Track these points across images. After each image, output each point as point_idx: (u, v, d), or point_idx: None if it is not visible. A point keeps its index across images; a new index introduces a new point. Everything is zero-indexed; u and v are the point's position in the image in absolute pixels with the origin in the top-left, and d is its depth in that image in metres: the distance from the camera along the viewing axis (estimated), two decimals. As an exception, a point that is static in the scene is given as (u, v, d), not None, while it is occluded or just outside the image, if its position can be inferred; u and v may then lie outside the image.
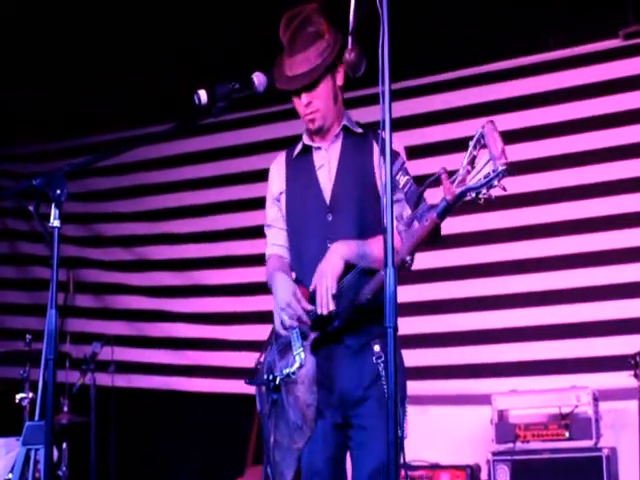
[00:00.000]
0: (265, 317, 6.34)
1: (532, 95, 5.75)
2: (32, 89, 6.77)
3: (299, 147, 3.28)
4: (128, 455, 6.28)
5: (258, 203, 6.57)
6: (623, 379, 4.85)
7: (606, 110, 5.52)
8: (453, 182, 2.46)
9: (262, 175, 6.55)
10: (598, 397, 5.13)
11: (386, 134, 2.36)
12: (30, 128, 7.39)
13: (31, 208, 2.70)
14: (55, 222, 2.56)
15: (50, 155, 7.48)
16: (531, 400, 5.28)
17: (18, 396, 5.30)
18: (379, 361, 3.03)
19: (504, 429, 5.20)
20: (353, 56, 3.07)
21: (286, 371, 3.09)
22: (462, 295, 5.70)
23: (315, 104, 3.12)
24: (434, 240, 2.65)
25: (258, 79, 2.84)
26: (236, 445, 6.11)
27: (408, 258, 2.71)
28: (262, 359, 3.31)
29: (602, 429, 5.09)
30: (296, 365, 3.06)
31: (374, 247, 2.99)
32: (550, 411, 5.21)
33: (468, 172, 2.43)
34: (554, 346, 5.47)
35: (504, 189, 2.36)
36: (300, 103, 3.15)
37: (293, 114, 6.74)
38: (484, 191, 2.41)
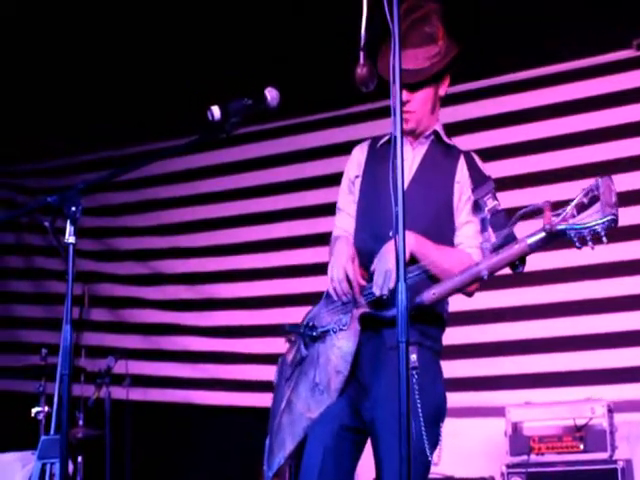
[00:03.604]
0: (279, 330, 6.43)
1: (545, 106, 5.76)
2: (43, 104, 6.82)
3: (386, 137, 3.21)
4: (143, 468, 6.29)
5: (272, 216, 6.73)
6: (638, 391, 4.84)
7: (620, 121, 5.52)
8: (556, 216, 2.45)
9: (275, 189, 6.73)
10: (613, 409, 5.10)
11: (398, 147, 2.35)
12: (42, 143, 7.43)
13: (46, 224, 2.73)
14: (70, 238, 2.57)
15: (63, 170, 7.53)
16: (545, 412, 5.26)
17: (34, 410, 5.33)
18: (413, 372, 2.85)
19: (518, 441, 5.18)
20: (365, 71, 3.08)
21: (327, 327, 2.98)
22: (476, 307, 5.67)
23: (413, 105, 3.07)
24: (514, 268, 2.65)
25: (271, 94, 2.85)
26: (250, 458, 6.10)
27: (485, 274, 2.70)
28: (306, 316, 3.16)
29: (617, 441, 5.06)
30: (340, 326, 2.95)
31: (445, 254, 2.94)
32: (565, 423, 5.19)
33: (573, 216, 2.43)
34: (569, 358, 5.46)
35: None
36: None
37: (306, 128, 6.81)
38: (586, 234, 2.42)
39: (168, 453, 6.80)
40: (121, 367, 5.81)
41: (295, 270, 6.47)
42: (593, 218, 2.41)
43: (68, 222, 2.58)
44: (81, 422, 5.64)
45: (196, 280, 7.03)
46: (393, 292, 2.64)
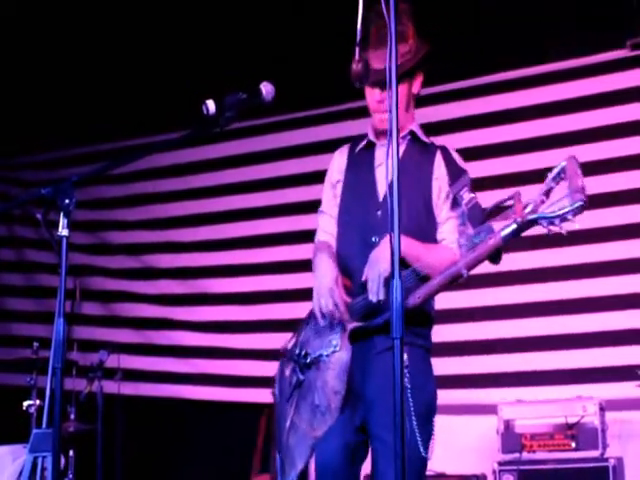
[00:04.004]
0: (271, 326, 6.44)
1: (538, 105, 5.76)
2: (39, 97, 6.81)
3: (364, 142, 3.28)
4: (135, 463, 6.28)
5: (264, 212, 6.72)
6: (630, 389, 4.85)
7: (613, 121, 5.52)
8: (525, 207, 2.49)
9: (268, 184, 6.72)
10: (605, 407, 5.11)
11: (393, 141, 2.35)
12: (38, 136, 7.42)
13: (39, 216, 2.72)
14: (64, 231, 2.56)
15: (58, 163, 7.51)
16: (537, 410, 5.27)
17: (25, 403, 5.31)
18: (405, 371, 2.90)
19: (510, 439, 5.19)
20: (360, 67, 3.10)
21: (319, 352, 3.04)
22: (467, 305, 5.70)
23: (387, 104, 3.06)
24: (494, 260, 2.69)
25: (266, 89, 2.84)
26: (242, 453, 6.11)
27: (464, 272, 2.72)
28: (295, 338, 3.22)
29: (608, 439, 5.07)
30: (330, 349, 3.01)
31: (432, 253, 2.97)
32: (556, 421, 5.19)
33: (542, 202, 2.47)
34: (560, 356, 5.47)
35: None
36: (373, 98, 3.16)
37: (299, 123, 6.81)
38: (557, 222, 2.45)
39: (160, 448, 6.79)
40: (113, 361, 5.80)
41: (288, 266, 6.46)
42: (562, 205, 2.44)
43: (61, 215, 2.57)
44: (73, 416, 5.61)
45: (188, 275, 7.02)
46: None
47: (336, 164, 3.35)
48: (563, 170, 2.48)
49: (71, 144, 7.46)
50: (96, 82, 6.59)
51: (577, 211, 2.44)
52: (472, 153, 5.87)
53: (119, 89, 6.64)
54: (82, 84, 6.65)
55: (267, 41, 5.98)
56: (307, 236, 6.20)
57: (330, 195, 3.34)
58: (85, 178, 2.77)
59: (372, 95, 3.16)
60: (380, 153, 3.21)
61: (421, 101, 5.82)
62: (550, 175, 2.50)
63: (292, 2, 5.69)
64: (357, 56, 3.03)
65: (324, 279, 3.05)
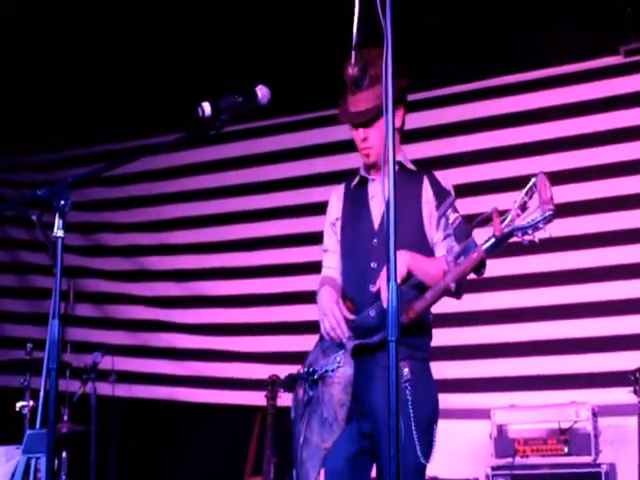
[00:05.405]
0: (265, 329, 6.44)
1: (532, 111, 5.78)
2: (36, 98, 6.80)
3: (356, 179, 3.46)
4: (128, 465, 6.27)
5: (261, 214, 6.72)
6: (623, 395, 4.85)
7: (607, 127, 5.54)
8: (502, 222, 2.76)
9: (265, 187, 6.72)
10: (597, 413, 5.12)
11: (389, 147, 2.39)
12: (33, 138, 7.41)
13: (34, 217, 2.71)
14: (59, 232, 2.56)
15: (53, 165, 7.51)
16: (530, 415, 5.28)
17: (18, 404, 5.30)
18: (406, 384, 3.13)
19: (503, 444, 5.20)
20: (356, 70, 3.16)
21: (325, 368, 3.23)
22: (462, 310, 5.69)
23: (371, 140, 3.30)
24: (478, 272, 2.93)
25: (261, 92, 2.85)
26: (235, 456, 6.11)
27: (452, 286, 2.94)
28: (305, 362, 3.43)
29: (601, 445, 5.08)
30: (335, 365, 3.20)
31: (435, 264, 3.12)
32: (549, 426, 5.20)
33: (518, 215, 2.74)
34: (554, 361, 5.48)
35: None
36: (358, 137, 3.33)
37: (294, 127, 6.80)
38: (530, 232, 2.72)
39: (153, 449, 6.78)
40: (107, 363, 5.79)
41: (283, 269, 6.47)
42: (534, 216, 2.71)
43: (57, 216, 2.57)
44: (66, 417, 5.61)
45: (183, 277, 7.02)
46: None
47: (334, 204, 3.53)
48: (534, 185, 2.71)
49: (67, 146, 7.47)
50: (94, 84, 6.59)
51: (547, 220, 2.69)
52: (470, 157, 5.92)
53: (117, 91, 6.63)
54: (79, 86, 6.65)
55: (266, 42, 5.98)
56: (304, 239, 6.27)
57: (331, 233, 3.53)
58: (80, 179, 2.77)
59: (356, 135, 3.35)
60: (372, 187, 3.41)
61: (421, 105, 5.90)
62: (523, 191, 2.74)
63: (292, 2, 5.69)
64: (353, 59, 3.10)
65: (326, 302, 3.27)
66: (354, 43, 3.02)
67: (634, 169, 5.44)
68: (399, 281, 2.93)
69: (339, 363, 3.20)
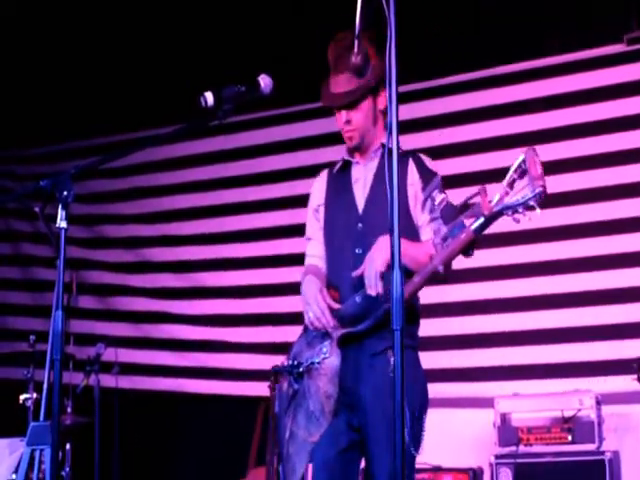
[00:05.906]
0: (267, 319, 6.44)
1: (535, 99, 5.76)
2: (36, 91, 6.80)
3: (340, 163, 3.40)
4: (131, 456, 6.28)
5: (262, 205, 6.71)
6: (626, 383, 4.85)
7: (609, 115, 5.52)
8: (491, 201, 2.61)
9: (264, 178, 6.71)
10: (601, 401, 5.12)
11: (393, 138, 2.38)
12: (34, 130, 7.41)
13: (37, 209, 2.71)
14: (62, 223, 2.56)
15: (55, 157, 7.50)
16: (534, 403, 5.28)
17: (22, 397, 5.30)
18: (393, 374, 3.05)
19: (507, 432, 5.19)
20: (359, 59, 3.15)
21: (311, 360, 3.16)
22: (464, 298, 5.70)
23: (354, 123, 3.25)
24: (467, 253, 2.78)
25: (264, 81, 2.84)
26: (239, 446, 6.11)
27: (440, 268, 2.81)
28: (288, 354, 3.37)
29: (605, 433, 5.08)
30: (321, 356, 3.13)
31: (419, 249, 3.06)
32: (553, 414, 5.21)
33: (507, 193, 2.59)
34: (557, 350, 5.47)
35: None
36: (340, 120, 3.28)
37: (292, 118, 6.78)
38: (521, 210, 2.56)
39: (157, 440, 6.79)
40: (110, 355, 5.80)
41: (284, 259, 6.46)
42: (524, 193, 2.55)
43: (60, 207, 2.56)
44: (69, 409, 5.62)
45: (185, 269, 7.01)
46: (386, 292, 2.87)
47: (317, 190, 3.47)
48: (523, 161, 2.57)
49: (68, 138, 7.45)
50: (94, 76, 6.59)
51: (538, 197, 2.53)
52: (467, 147, 5.91)
53: (118, 83, 6.63)
54: (80, 78, 6.65)
55: (267, 40, 5.97)
56: (304, 230, 6.25)
57: (313, 220, 3.46)
58: (83, 170, 2.76)
59: (339, 117, 3.29)
60: (356, 170, 3.35)
61: (417, 95, 5.88)
62: (512, 168, 2.60)
63: (292, 2, 5.68)
64: (356, 48, 3.10)
65: (310, 291, 3.20)
66: (357, 32, 3.01)
67: (638, 157, 5.42)
68: (384, 267, 2.94)
69: (325, 354, 3.12)
